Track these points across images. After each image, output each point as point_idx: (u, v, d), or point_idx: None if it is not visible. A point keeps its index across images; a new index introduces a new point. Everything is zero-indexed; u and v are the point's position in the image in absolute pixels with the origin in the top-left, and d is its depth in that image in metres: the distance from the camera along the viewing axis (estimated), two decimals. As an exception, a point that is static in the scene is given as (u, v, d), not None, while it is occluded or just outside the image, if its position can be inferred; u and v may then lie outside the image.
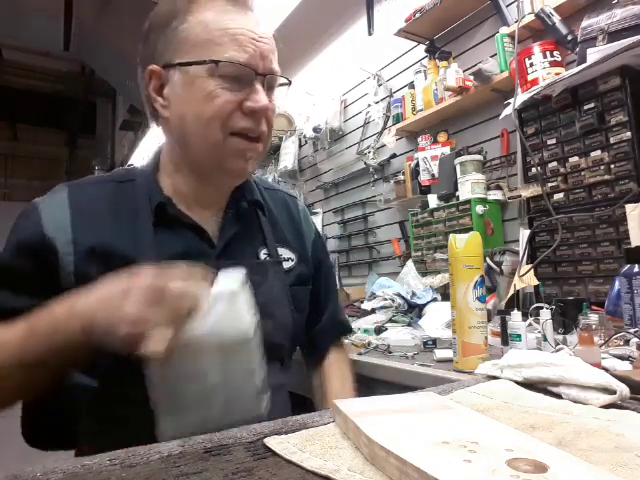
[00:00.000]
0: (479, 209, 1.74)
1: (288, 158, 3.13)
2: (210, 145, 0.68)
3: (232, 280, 0.55)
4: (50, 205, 0.69)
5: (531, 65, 1.53)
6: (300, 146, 3.17)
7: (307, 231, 0.92)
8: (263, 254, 0.78)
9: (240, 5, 0.69)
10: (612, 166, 1.26)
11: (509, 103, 1.49)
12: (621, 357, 0.78)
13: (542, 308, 0.98)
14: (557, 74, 1.44)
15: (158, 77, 0.70)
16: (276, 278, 0.78)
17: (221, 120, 0.66)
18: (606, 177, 1.27)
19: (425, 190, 2.08)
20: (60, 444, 0.88)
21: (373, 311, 1.60)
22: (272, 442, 0.41)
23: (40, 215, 0.67)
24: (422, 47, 2.24)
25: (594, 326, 0.82)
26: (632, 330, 0.87)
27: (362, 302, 1.81)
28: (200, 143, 0.69)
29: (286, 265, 0.82)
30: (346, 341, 1.04)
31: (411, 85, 2.24)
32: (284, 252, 0.83)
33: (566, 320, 1.00)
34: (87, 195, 0.71)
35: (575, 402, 0.54)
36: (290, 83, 0.77)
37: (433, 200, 1.96)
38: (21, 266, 0.66)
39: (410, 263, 1.98)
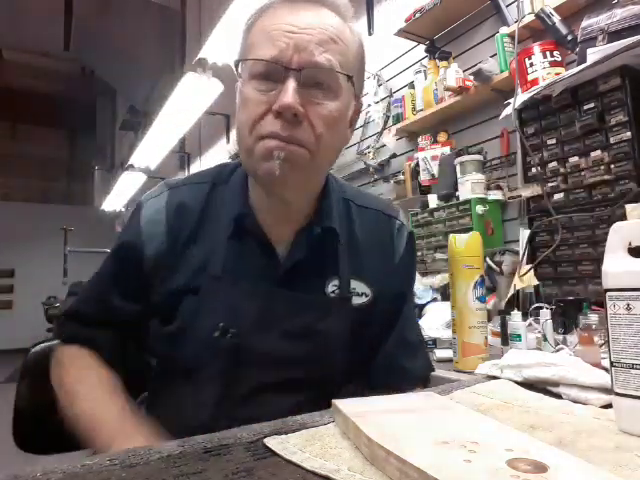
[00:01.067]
0: (479, 209, 1.73)
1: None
2: (244, 151, 0.64)
3: None
4: (151, 209, 0.71)
5: (531, 65, 1.53)
6: (300, 146, 3.17)
7: (395, 257, 0.77)
8: (332, 286, 0.70)
9: (300, 3, 0.62)
10: (612, 166, 1.26)
11: (509, 103, 1.49)
12: (621, 357, 0.78)
13: (542, 308, 0.98)
14: (557, 74, 1.44)
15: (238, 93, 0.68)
16: (339, 316, 0.70)
17: (251, 124, 0.61)
18: (606, 177, 1.27)
19: (425, 190, 2.08)
20: (53, 448, 0.85)
21: (373, 311, 1.60)
22: (272, 442, 0.41)
23: (140, 220, 0.71)
24: (422, 47, 2.24)
25: (594, 326, 0.82)
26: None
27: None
28: (240, 151, 0.66)
29: (358, 301, 0.72)
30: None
31: (411, 85, 2.24)
32: (358, 286, 0.72)
33: (566, 320, 1.00)
34: (182, 200, 0.71)
35: (575, 402, 0.53)
36: (350, 78, 0.63)
37: (433, 200, 1.96)
38: (124, 268, 0.71)
39: (410, 263, 1.97)
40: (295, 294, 0.68)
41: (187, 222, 0.69)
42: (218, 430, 0.62)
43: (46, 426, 0.83)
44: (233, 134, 4.29)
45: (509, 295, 1.36)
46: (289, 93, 0.58)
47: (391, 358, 0.75)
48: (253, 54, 0.61)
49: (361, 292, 0.72)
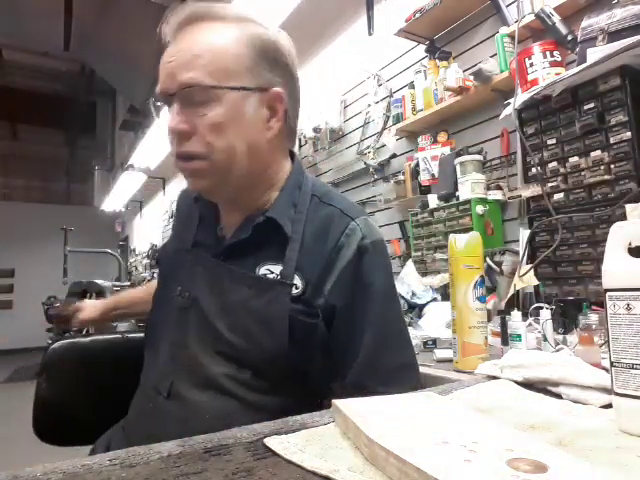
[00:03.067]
0: (479, 209, 1.73)
1: (288, 158, 3.13)
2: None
3: None
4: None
5: (531, 65, 1.53)
6: (300, 146, 3.17)
7: (336, 262, 0.72)
8: (265, 270, 0.72)
9: (181, 30, 0.70)
10: (612, 166, 1.26)
11: (509, 103, 1.49)
12: (621, 357, 0.78)
13: (542, 308, 0.98)
14: (557, 74, 1.44)
15: None
16: (276, 299, 0.70)
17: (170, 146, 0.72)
18: (606, 177, 1.27)
19: (425, 190, 2.08)
20: (76, 439, 0.91)
21: (373, 311, 1.60)
22: (272, 442, 0.41)
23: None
24: (422, 47, 2.24)
25: (594, 326, 0.82)
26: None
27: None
28: None
29: (293, 291, 0.70)
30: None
31: (411, 85, 2.24)
32: (295, 279, 0.71)
33: (566, 320, 1.00)
34: (185, 193, 0.93)
35: (575, 402, 0.53)
36: (209, 87, 0.66)
37: (433, 200, 1.96)
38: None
39: (410, 263, 1.98)
40: (233, 269, 0.73)
41: (185, 205, 0.90)
42: (161, 389, 0.72)
43: (64, 419, 0.92)
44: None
45: (509, 295, 1.36)
46: (171, 117, 0.68)
47: (360, 381, 0.70)
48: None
49: (295, 283, 0.70)
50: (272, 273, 0.71)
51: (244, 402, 0.69)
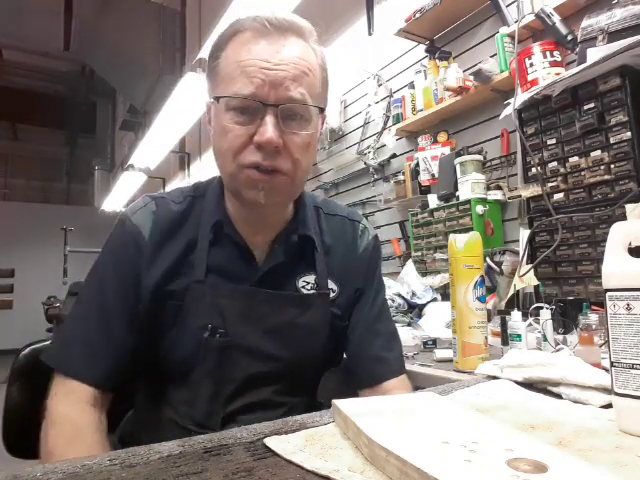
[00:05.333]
0: (479, 209, 1.74)
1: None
2: (227, 176, 0.71)
3: None
4: (141, 215, 0.76)
5: (531, 65, 1.53)
6: (300, 146, 3.16)
7: (358, 258, 0.85)
8: (302, 282, 0.77)
9: (269, 34, 0.66)
10: (612, 166, 1.26)
11: (509, 103, 1.49)
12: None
13: (542, 308, 0.98)
14: (557, 74, 1.44)
15: (208, 110, 0.76)
16: (320, 311, 0.77)
17: (233, 154, 0.67)
18: (606, 177, 1.27)
19: (425, 190, 2.08)
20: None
21: (373, 311, 1.60)
22: (272, 442, 0.41)
23: (137, 227, 0.74)
24: (422, 47, 2.24)
25: (594, 326, 0.82)
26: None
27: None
28: (222, 173, 0.73)
29: (331, 294, 0.80)
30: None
31: (411, 85, 2.24)
32: (329, 283, 0.80)
33: (566, 320, 1.00)
34: (169, 208, 0.76)
35: (575, 402, 0.54)
36: (322, 110, 0.72)
37: (433, 200, 1.96)
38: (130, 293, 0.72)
39: (410, 263, 1.98)
40: (275, 292, 0.74)
41: (169, 228, 0.75)
42: (212, 426, 0.68)
43: (35, 431, 0.72)
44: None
45: (509, 295, 1.36)
46: (269, 128, 0.64)
47: (364, 345, 0.81)
48: (230, 88, 0.66)
49: (330, 287, 0.80)
50: (308, 283, 0.78)
51: (285, 405, 0.76)
